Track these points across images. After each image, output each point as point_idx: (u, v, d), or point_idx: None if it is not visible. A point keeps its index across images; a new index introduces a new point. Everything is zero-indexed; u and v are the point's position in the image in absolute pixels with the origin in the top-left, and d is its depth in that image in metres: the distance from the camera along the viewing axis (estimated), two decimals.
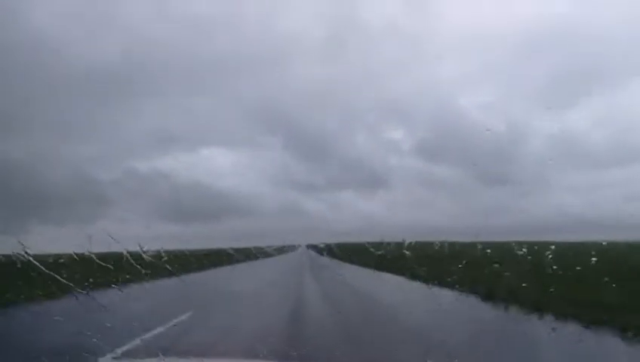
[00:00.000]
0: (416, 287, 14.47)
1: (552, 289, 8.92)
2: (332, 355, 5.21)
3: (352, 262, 28.86)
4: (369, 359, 5.40)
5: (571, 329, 7.17)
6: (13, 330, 7.89)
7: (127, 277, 12.96)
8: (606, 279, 8.39)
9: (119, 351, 5.29)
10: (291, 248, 73.72)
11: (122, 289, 12.17)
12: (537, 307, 8.51)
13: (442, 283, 12.99)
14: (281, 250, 62.15)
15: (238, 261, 34.66)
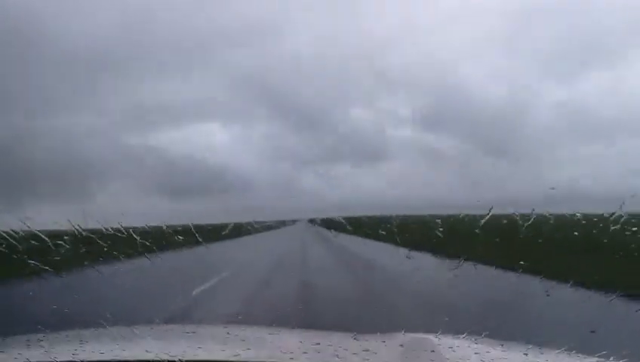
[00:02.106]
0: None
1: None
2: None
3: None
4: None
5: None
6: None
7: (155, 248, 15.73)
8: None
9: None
10: (291, 223, 74.12)
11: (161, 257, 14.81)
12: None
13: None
14: (284, 224, 62.79)
15: (253, 232, 39.35)
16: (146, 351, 1.25)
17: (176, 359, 1.11)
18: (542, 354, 1.44)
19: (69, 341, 1.56)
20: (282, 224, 62.14)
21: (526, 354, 1.41)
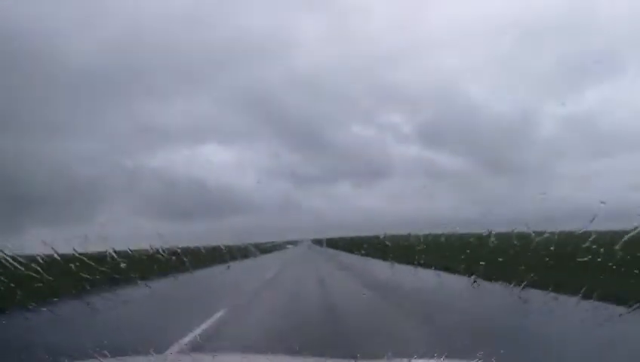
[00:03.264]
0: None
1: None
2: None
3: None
4: None
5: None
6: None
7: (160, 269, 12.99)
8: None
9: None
10: (294, 243, 71.78)
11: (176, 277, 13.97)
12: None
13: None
14: (284, 246, 60.64)
15: (255, 254, 37.17)
16: None
17: None
18: None
19: None
20: (282, 246, 59.78)
21: None
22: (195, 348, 5.44)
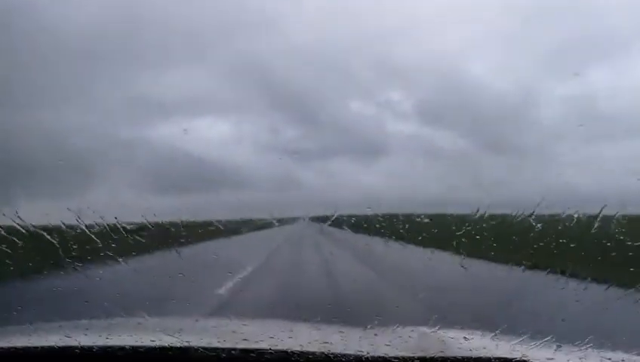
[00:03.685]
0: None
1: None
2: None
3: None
4: None
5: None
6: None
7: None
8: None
9: None
10: (293, 220, 70.67)
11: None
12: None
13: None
14: (285, 222, 60.19)
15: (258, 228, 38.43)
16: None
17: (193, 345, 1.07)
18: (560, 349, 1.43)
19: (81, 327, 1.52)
20: (275, 223, 58.81)
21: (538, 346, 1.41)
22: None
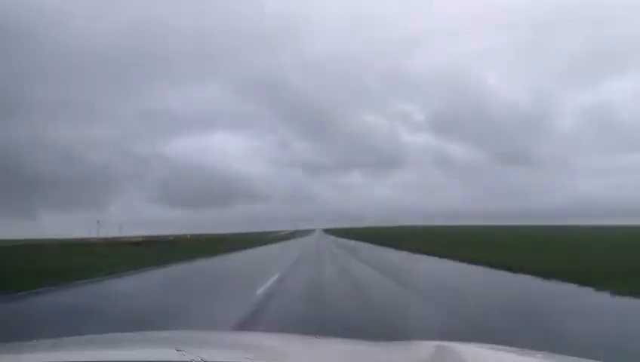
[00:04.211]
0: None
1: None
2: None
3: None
4: None
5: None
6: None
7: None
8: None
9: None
10: (307, 232, 71.29)
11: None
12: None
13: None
14: (298, 234, 60.57)
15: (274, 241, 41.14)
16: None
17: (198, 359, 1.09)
18: None
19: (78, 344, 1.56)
20: (292, 235, 58.59)
21: None
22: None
